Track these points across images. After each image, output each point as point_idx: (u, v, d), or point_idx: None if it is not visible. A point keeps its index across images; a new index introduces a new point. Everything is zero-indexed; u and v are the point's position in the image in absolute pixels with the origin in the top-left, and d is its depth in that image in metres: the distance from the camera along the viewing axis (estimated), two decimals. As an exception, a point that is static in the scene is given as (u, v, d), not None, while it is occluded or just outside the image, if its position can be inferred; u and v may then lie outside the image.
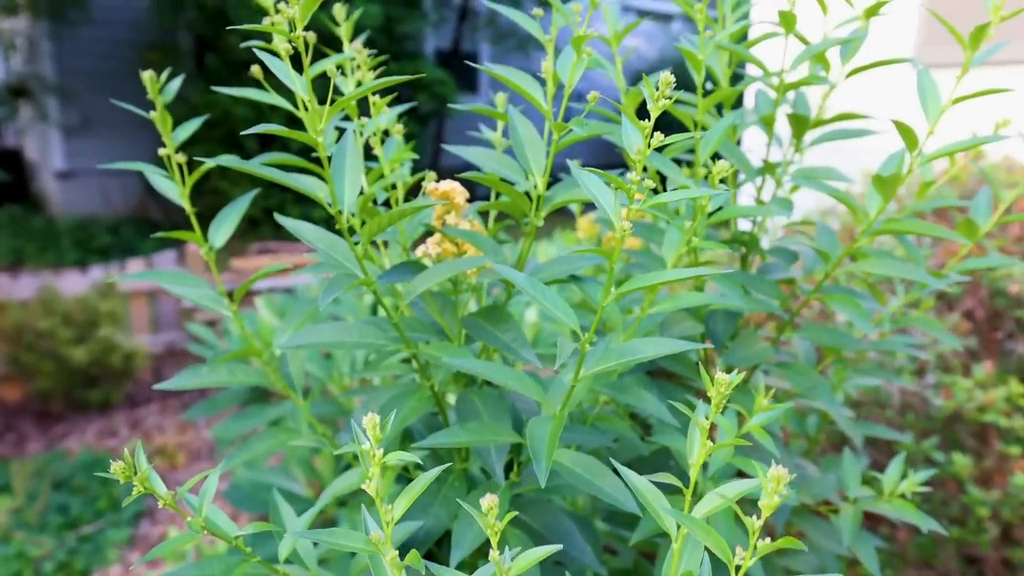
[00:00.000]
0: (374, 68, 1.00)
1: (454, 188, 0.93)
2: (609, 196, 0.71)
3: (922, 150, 0.94)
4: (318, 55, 0.99)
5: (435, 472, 0.66)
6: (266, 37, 0.75)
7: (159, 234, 0.95)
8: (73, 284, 4.78)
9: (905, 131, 0.90)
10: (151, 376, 4.98)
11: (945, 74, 1.01)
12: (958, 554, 2.04)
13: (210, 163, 0.78)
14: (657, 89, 0.67)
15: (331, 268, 0.86)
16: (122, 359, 4.48)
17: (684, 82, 1.27)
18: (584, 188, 0.71)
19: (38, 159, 9.21)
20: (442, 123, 9.60)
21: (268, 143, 7.16)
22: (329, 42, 1.07)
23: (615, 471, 0.75)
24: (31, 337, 4.38)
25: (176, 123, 0.97)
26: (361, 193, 0.97)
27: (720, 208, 0.96)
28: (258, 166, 0.75)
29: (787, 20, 1.05)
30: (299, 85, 0.73)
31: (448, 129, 9.76)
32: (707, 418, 0.69)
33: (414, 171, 1.07)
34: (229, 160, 0.76)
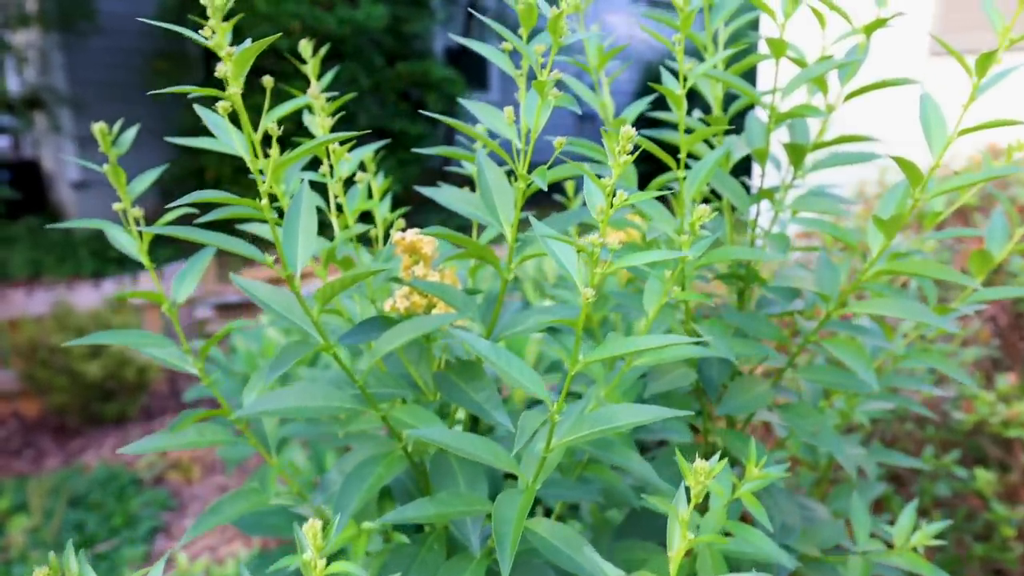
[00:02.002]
0: (333, 113, 0.94)
1: (420, 239, 0.87)
2: (573, 259, 0.65)
3: (926, 184, 0.87)
4: (283, 95, 0.94)
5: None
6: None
7: (124, 294, 0.90)
8: (86, 298, 4.79)
9: (908, 168, 0.83)
10: (166, 388, 4.97)
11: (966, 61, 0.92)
12: (983, 570, 1.96)
13: (155, 229, 0.72)
14: (618, 145, 0.61)
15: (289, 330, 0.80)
16: (136, 373, 4.46)
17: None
18: (549, 253, 0.65)
19: (54, 170, 9.23)
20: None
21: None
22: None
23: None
24: (45, 353, 4.39)
25: (185, 132, 0.91)
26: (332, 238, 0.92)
27: (708, 252, 0.89)
28: (200, 233, 0.69)
29: (777, 47, 0.98)
30: (239, 145, 0.67)
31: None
32: (689, 503, 0.63)
33: (424, 171, 1.01)
34: (174, 229, 0.70)
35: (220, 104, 0.65)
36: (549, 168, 0.84)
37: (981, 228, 1.32)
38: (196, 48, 8.55)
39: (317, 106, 0.87)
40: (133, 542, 3.55)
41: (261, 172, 0.68)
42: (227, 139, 0.67)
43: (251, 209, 0.70)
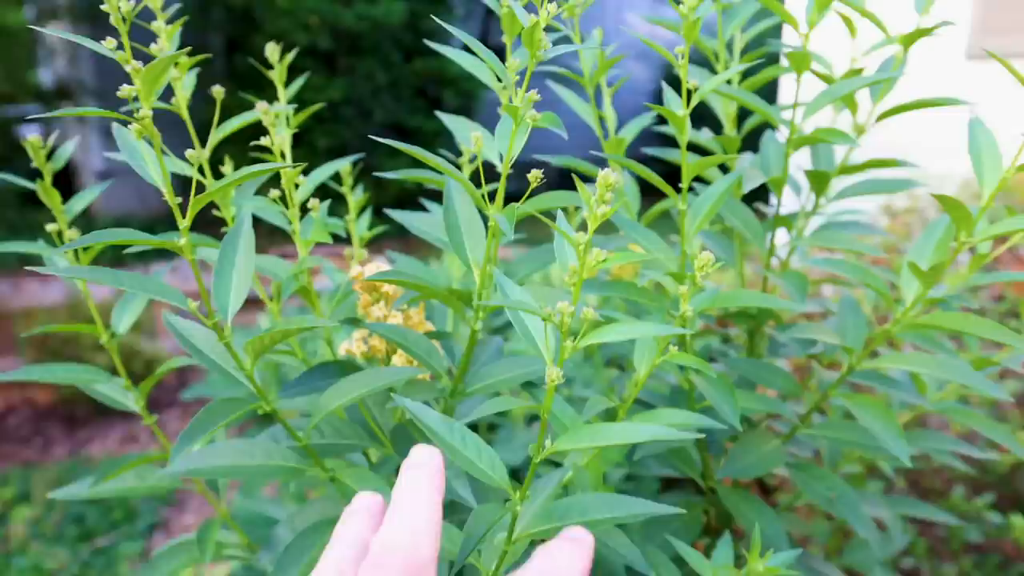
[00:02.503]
0: (318, 124, 0.83)
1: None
2: (540, 330, 0.54)
3: (975, 227, 0.74)
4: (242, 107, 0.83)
5: None
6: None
7: (41, 329, 0.81)
8: (101, 289, 4.74)
9: (954, 208, 0.71)
10: (175, 381, 4.90)
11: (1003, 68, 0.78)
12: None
13: (62, 273, 0.62)
14: (595, 194, 0.49)
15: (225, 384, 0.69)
16: (143, 365, 4.40)
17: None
18: (513, 322, 0.54)
19: (80, 159, 9.23)
20: (471, 119, 9.33)
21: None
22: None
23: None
24: (56, 343, 4.35)
25: (207, 125, 0.81)
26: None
27: (715, 296, 0.77)
28: (128, 278, 0.59)
29: (799, 61, 0.86)
30: (155, 176, 0.56)
31: (479, 123, 9.49)
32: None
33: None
34: (94, 271, 0.60)
35: (133, 127, 0.54)
36: (531, 198, 0.72)
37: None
38: (218, 41, 8.50)
39: (268, 122, 0.75)
40: (132, 537, 3.49)
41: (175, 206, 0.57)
42: (142, 168, 0.56)
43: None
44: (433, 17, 0.89)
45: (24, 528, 3.46)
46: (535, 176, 0.64)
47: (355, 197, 0.98)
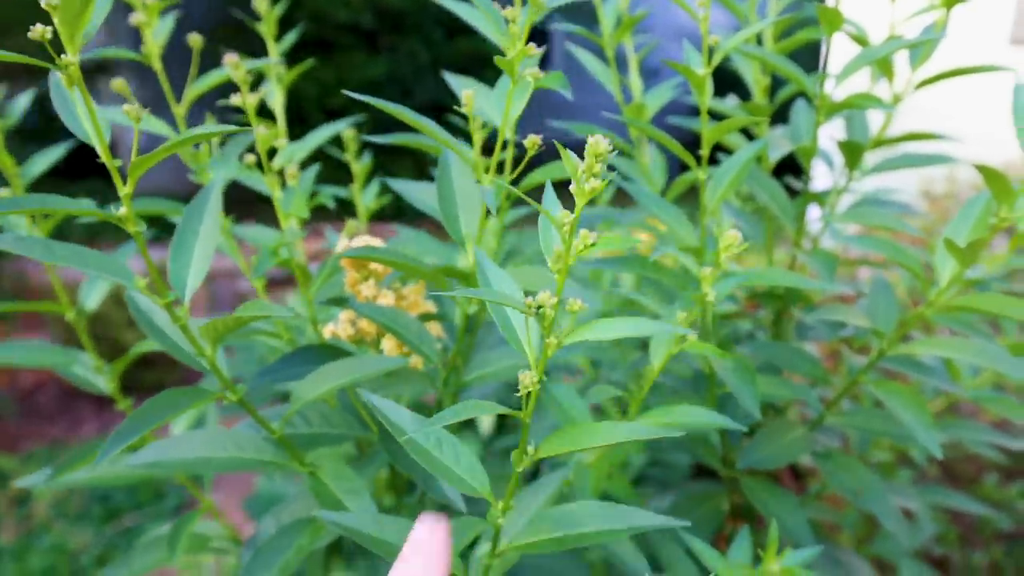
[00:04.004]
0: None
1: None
2: (521, 325, 0.48)
3: (1016, 201, 0.68)
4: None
5: None
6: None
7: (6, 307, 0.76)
8: (133, 266, 4.74)
9: (994, 179, 0.64)
10: (177, 377, 4.90)
11: None
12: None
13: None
14: (583, 164, 0.43)
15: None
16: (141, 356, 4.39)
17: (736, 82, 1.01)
18: (492, 315, 0.48)
19: (117, 134, 9.26)
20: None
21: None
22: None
23: None
24: (88, 320, 4.34)
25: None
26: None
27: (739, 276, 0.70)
28: (64, 249, 0.53)
29: (830, 19, 0.78)
30: (89, 131, 0.50)
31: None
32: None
33: None
34: (33, 243, 0.54)
35: (61, 76, 0.48)
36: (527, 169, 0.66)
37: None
38: (253, 15, 8.47)
39: (239, 78, 0.68)
40: (159, 517, 3.47)
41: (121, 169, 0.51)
42: (73, 121, 0.50)
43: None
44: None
45: (47, 508, 3.45)
46: (532, 143, 0.58)
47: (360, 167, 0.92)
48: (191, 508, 3.48)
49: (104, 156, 0.51)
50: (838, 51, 0.87)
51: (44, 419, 4.41)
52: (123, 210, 0.51)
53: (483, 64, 8.24)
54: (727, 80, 0.89)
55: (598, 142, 0.42)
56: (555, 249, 0.44)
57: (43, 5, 0.44)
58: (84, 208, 0.50)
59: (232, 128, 0.50)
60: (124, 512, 3.51)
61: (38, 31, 0.45)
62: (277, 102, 0.76)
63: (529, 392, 0.46)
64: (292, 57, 0.87)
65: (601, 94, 0.97)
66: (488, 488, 0.51)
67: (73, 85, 0.47)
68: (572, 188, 0.43)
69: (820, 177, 0.94)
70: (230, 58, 0.66)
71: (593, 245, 0.43)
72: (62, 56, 0.46)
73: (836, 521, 1.26)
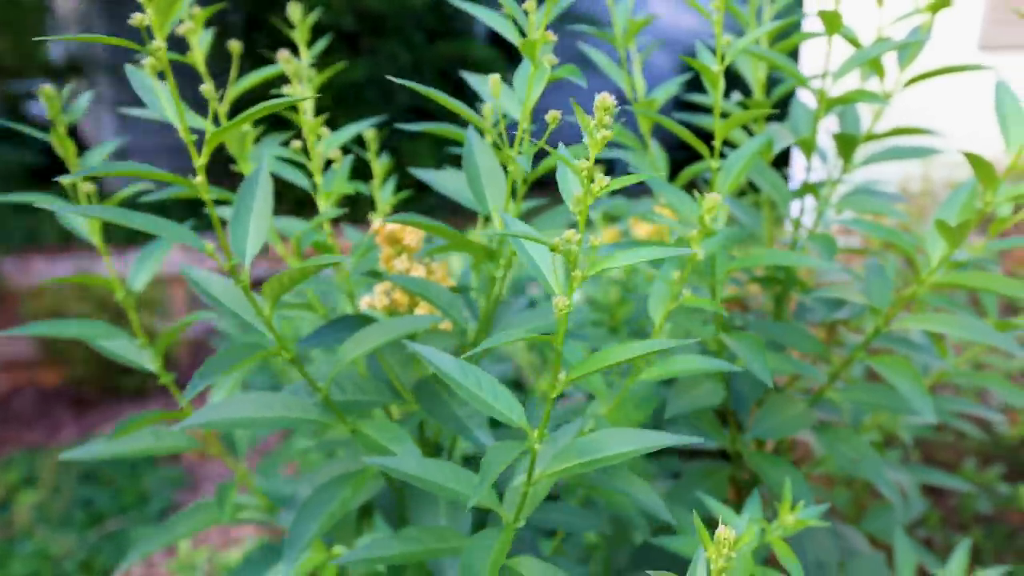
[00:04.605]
0: (323, 90, 0.82)
1: (402, 227, 0.75)
2: (547, 261, 0.53)
3: (999, 186, 0.74)
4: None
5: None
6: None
7: (75, 278, 0.80)
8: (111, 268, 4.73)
9: (981, 166, 0.70)
10: (187, 362, 4.90)
11: (1015, 58, 0.79)
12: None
13: (82, 210, 0.61)
14: (592, 116, 0.48)
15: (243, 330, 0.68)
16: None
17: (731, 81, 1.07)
18: (519, 253, 0.53)
19: (91, 137, 9.22)
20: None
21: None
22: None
23: None
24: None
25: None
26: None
27: (743, 255, 0.77)
28: (120, 214, 0.57)
29: (831, 21, 0.84)
30: (169, 111, 0.55)
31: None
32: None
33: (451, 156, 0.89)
34: (106, 210, 0.59)
35: (147, 62, 0.53)
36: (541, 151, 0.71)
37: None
38: (238, 17, 8.49)
39: (291, 71, 0.74)
40: (143, 521, 3.47)
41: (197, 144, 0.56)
42: (154, 103, 0.55)
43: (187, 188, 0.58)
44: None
45: (29, 513, 3.44)
46: (553, 117, 0.63)
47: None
48: (175, 511, 3.50)
49: (183, 132, 0.55)
50: (818, 52, 0.94)
51: (22, 424, 4.39)
52: (199, 179, 0.56)
53: (465, 67, 8.31)
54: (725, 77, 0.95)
55: (605, 97, 0.48)
56: (574, 194, 0.50)
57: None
58: (163, 174, 0.55)
59: (293, 99, 0.55)
60: (107, 517, 3.50)
61: (138, 18, 0.50)
62: (308, 101, 0.82)
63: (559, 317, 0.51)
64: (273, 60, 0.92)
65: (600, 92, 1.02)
66: (524, 419, 0.56)
67: (158, 71, 0.52)
68: (585, 139, 0.49)
69: (813, 170, 1.00)
70: (282, 54, 0.72)
71: (608, 187, 0.49)
72: (152, 42, 0.51)
73: (827, 500, 1.32)
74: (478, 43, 8.64)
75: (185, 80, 0.83)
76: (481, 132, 0.74)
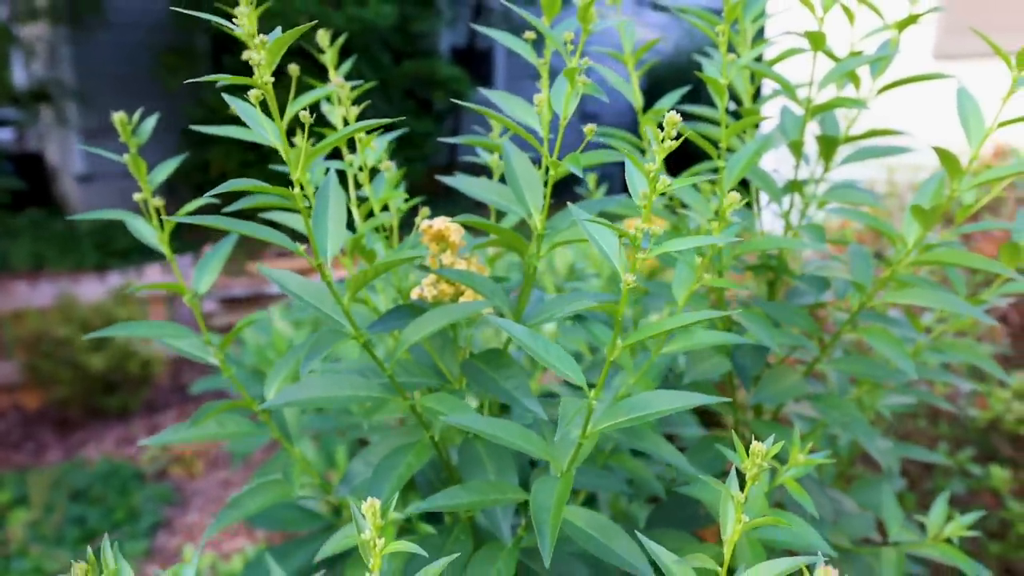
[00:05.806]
0: (355, 101, 0.92)
1: (448, 227, 0.86)
2: (614, 246, 0.64)
3: (964, 176, 0.86)
4: (304, 86, 0.93)
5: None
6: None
7: (142, 286, 0.89)
8: (91, 290, 4.77)
9: (947, 159, 0.82)
10: (169, 382, 4.94)
11: (968, 66, 0.93)
12: (998, 568, 1.95)
13: (182, 218, 0.71)
14: (662, 129, 0.59)
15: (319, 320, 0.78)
16: (140, 366, 4.44)
17: (702, 93, 1.19)
18: (589, 239, 0.64)
19: (59, 163, 9.20)
20: (459, 120, 9.56)
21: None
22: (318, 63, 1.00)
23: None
24: (49, 345, 4.36)
25: (196, 123, 0.90)
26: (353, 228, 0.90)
27: (745, 242, 0.89)
28: (229, 222, 0.68)
29: (816, 40, 0.97)
30: (270, 133, 0.66)
31: (465, 124, 9.72)
32: (743, 491, 0.62)
33: (430, 169, 1.00)
34: (204, 218, 0.69)
35: (252, 92, 0.63)
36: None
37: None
38: (204, 42, 8.52)
39: (342, 95, 0.85)
40: (135, 537, 3.52)
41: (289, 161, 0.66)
42: (259, 128, 0.66)
43: (280, 198, 0.68)
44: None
45: (23, 531, 3.48)
46: (590, 130, 0.74)
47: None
48: (167, 528, 3.55)
49: (284, 150, 0.66)
50: (794, 65, 1.07)
51: (8, 447, 4.41)
52: (297, 190, 0.66)
53: (431, 86, 8.43)
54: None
55: (673, 115, 0.59)
56: (641, 190, 0.61)
57: (252, 44, 0.60)
58: (266, 187, 0.65)
59: (391, 120, 0.66)
60: (100, 533, 3.55)
61: (254, 58, 0.60)
62: (348, 117, 0.92)
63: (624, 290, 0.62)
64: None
65: (602, 106, 1.14)
66: (583, 378, 0.67)
67: (261, 98, 0.63)
68: (654, 148, 0.60)
69: (792, 171, 1.12)
70: (337, 79, 0.83)
71: (671, 185, 0.60)
72: (262, 76, 0.62)
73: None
74: (443, 62, 8.78)
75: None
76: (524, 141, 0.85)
